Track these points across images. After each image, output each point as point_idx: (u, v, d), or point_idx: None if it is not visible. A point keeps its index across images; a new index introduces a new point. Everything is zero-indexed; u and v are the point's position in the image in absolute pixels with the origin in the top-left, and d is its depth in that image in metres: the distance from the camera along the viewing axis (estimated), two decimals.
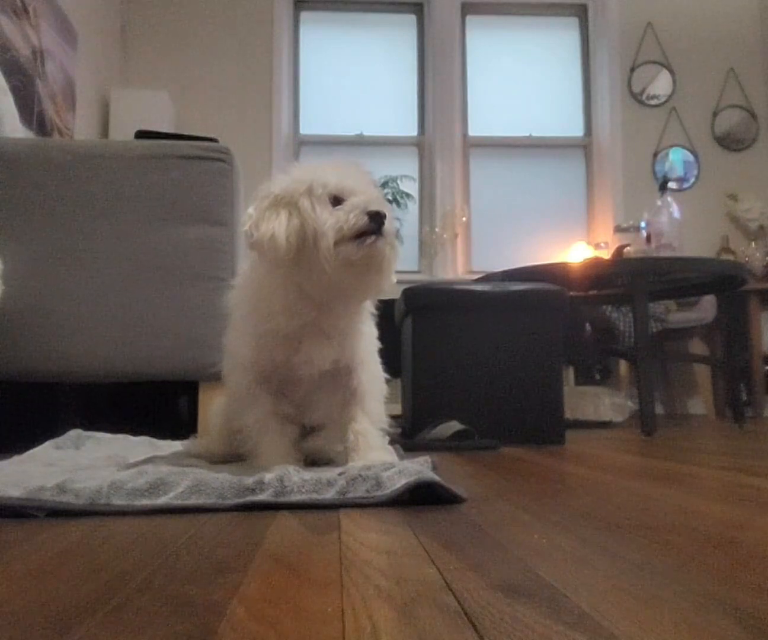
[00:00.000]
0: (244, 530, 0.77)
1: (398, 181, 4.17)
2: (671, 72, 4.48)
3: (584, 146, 4.59)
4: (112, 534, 0.77)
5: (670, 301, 3.74)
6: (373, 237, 1.03)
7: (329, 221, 1.03)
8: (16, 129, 2.09)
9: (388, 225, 1.05)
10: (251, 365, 1.15)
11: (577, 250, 3.89)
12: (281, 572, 0.58)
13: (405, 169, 4.28)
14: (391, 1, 4.61)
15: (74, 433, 1.61)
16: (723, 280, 2.86)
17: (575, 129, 4.61)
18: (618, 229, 3.51)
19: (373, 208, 1.03)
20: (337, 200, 1.05)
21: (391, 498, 0.90)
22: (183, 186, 1.74)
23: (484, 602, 0.49)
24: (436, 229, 4.33)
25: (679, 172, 4.44)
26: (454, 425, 1.92)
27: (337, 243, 1.03)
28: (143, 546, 0.69)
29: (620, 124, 4.45)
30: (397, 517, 0.84)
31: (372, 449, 1.15)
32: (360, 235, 1.03)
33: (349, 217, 1.02)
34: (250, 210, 1.08)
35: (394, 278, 1.14)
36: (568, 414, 2.60)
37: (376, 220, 1.02)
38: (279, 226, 1.03)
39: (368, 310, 1.21)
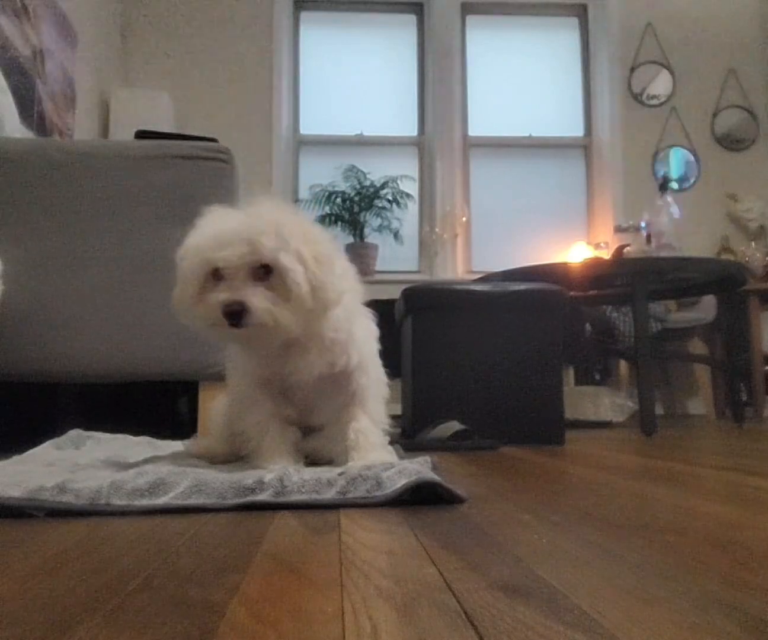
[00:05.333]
0: (244, 530, 0.77)
1: (398, 181, 4.17)
2: (671, 72, 4.48)
3: (584, 146, 4.59)
4: (112, 534, 0.77)
5: (670, 301, 3.74)
6: (234, 326, 1.04)
7: (193, 308, 1.08)
8: (15, 129, 2.09)
9: (255, 310, 1.02)
10: (250, 372, 1.18)
11: (577, 250, 3.89)
12: (281, 572, 0.58)
13: (405, 169, 4.28)
14: (391, 1, 4.61)
15: (74, 433, 1.61)
16: (723, 280, 2.86)
17: (575, 129, 4.61)
18: (618, 229, 3.51)
19: (229, 304, 1.02)
20: (216, 273, 1.05)
21: (391, 498, 0.90)
22: (183, 186, 1.74)
23: (484, 602, 0.49)
24: (436, 229, 4.33)
25: (679, 172, 4.44)
26: (454, 425, 1.92)
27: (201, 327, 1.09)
28: (143, 546, 0.69)
29: (620, 124, 4.46)
30: (397, 517, 0.84)
31: (372, 448, 1.15)
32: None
33: (206, 313, 1.05)
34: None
35: (286, 333, 1.08)
36: (568, 414, 2.60)
37: (232, 317, 1.03)
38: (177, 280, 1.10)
39: (361, 314, 1.21)
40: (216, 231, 1.06)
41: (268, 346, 1.11)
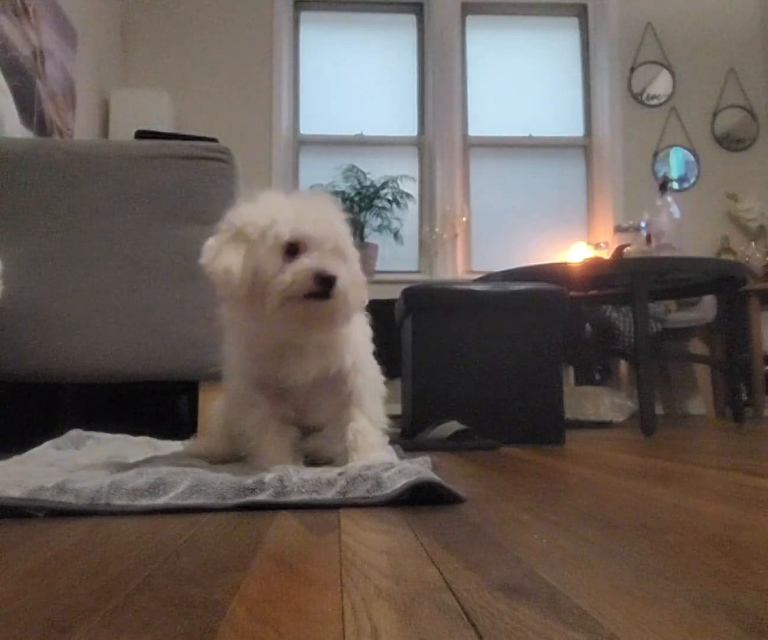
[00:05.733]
0: (244, 530, 0.77)
1: (398, 181, 4.17)
2: (671, 72, 4.48)
3: (584, 146, 4.59)
4: (112, 534, 0.77)
5: (670, 301, 3.74)
6: (320, 299, 1.02)
7: (276, 278, 1.01)
8: (15, 129, 2.09)
9: (341, 283, 1.03)
10: (246, 373, 1.18)
11: (577, 250, 3.89)
12: (281, 572, 0.58)
13: (405, 169, 4.28)
14: (391, 1, 4.61)
15: (74, 433, 1.61)
16: (723, 280, 2.86)
17: (575, 129, 4.61)
18: (618, 229, 3.51)
19: (323, 270, 1.01)
20: (293, 248, 1.03)
21: (391, 498, 0.90)
22: (183, 186, 1.74)
23: (484, 602, 0.49)
24: (436, 229, 4.33)
25: (679, 172, 4.44)
26: (454, 425, 1.91)
27: (282, 299, 1.02)
28: (143, 546, 0.69)
29: (620, 124, 4.45)
30: (397, 517, 0.84)
31: (372, 448, 1.15)
32: (308, 294, 1.02)
33: (295, 278, 1.01)
34: (211, 241, 1.08)
35: (352, 317, 1.12)
36: (568, 414, 2.60)
37: (324, 284, 1.01)
38: (236, 261, 1.04)
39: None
40: (302, 207, 1.07)
41: (309, 328, 1.08)
